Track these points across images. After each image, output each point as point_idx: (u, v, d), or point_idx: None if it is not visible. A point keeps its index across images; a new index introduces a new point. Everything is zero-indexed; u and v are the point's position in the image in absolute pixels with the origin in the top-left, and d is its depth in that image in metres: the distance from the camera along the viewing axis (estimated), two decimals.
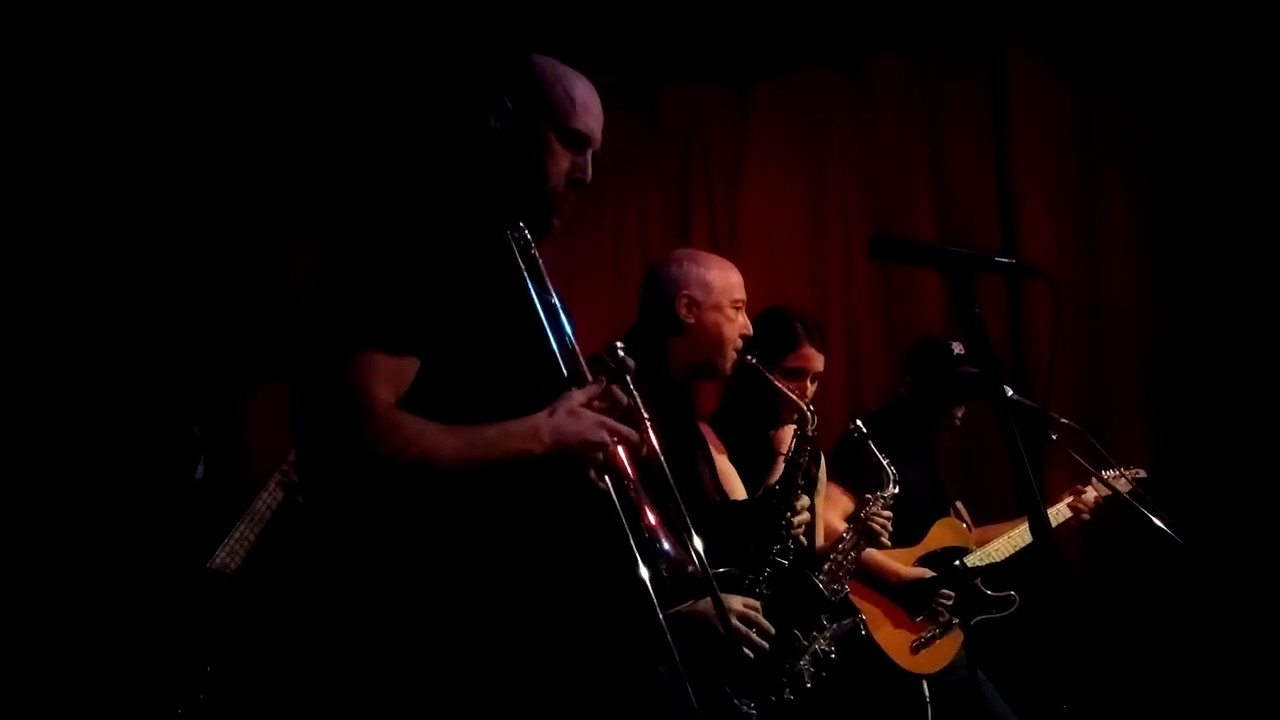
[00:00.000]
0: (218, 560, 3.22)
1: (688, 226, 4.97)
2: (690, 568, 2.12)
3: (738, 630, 2.71)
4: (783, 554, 2.96)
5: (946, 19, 4.87)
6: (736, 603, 2.75)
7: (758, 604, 2.78)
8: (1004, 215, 4.96)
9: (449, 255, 1.95)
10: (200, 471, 3.32)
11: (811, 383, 3.47)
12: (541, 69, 2.11)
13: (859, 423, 3.49)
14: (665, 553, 2.02)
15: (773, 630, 2.76)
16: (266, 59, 4.28)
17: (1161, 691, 4.36)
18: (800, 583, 3.11)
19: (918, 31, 4.93)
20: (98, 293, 3.84)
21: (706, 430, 3.24)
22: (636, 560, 1.98)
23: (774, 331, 3.43)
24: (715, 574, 2.29)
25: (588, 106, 2.10)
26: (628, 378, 2.11)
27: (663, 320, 2.97)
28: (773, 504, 3.02)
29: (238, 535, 3.26)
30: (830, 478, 3.55)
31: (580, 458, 1.95)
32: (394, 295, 1.87)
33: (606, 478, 1.99)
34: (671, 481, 2.24)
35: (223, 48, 4.21)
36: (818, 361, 3.47)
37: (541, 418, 1.92)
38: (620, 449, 2.00)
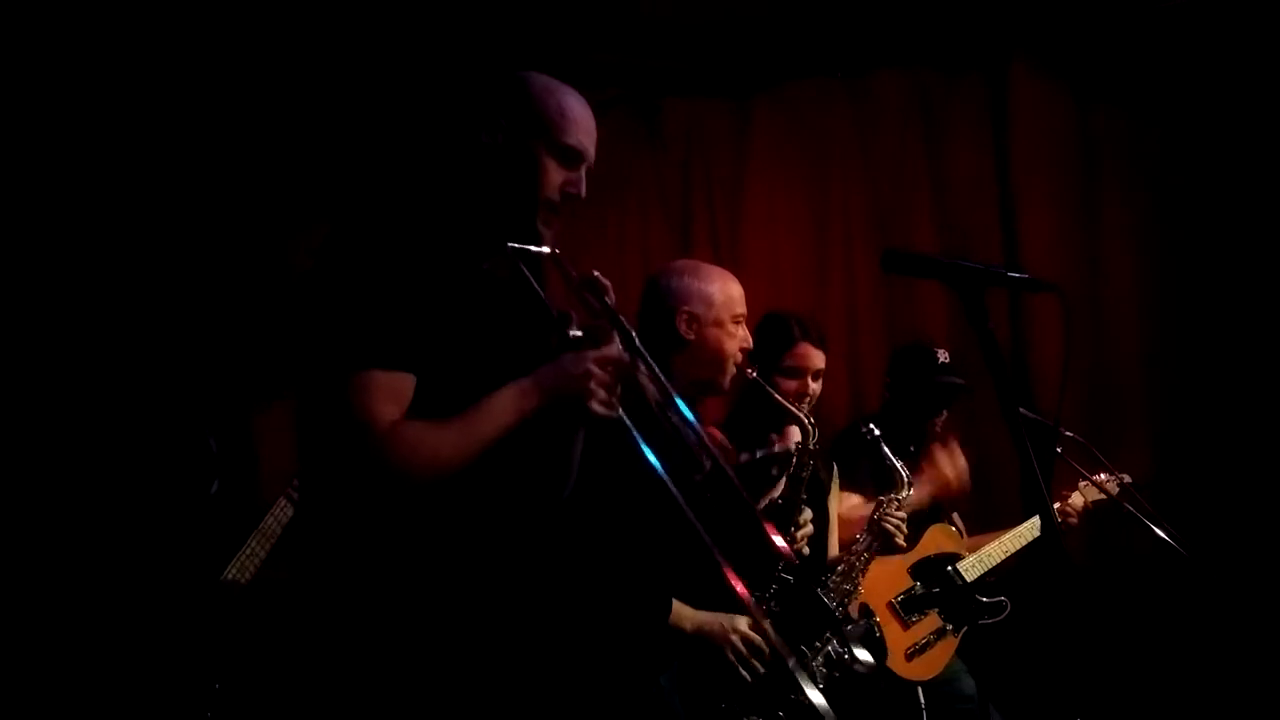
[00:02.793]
0: (229, 575, 3.21)
1: (689, 238, 4.97)
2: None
3: (738, 653, 2.70)
4: (788, 569, 2.94)
5: (948, 32, 4.88)
6: (742, 624, 2.74)
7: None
8: (1005, 228, 4.96)
9: (441, 269, 1.95)
10: (215, 486, 3.31)
11: (814, 380, 3.45)
12: (534, 85, 2.10)
13: (871, 425, 3.50)
14: (694, 443, 2.02)
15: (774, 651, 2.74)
16: (267, 76, 4.26)
17: (1171, 702, 4.33)
18: (807, 598, 3.09)
19: (919, 45, 4.93)
20: (115, 306, 3.83)
21: (717, 434, 3.23)
22: (663, 477, 1.96)
23: (770, 333, 3.43)
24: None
25: (580, 122, 2.09)
26: (605, 298, 2.06)
27: (663, 335, 2.93)
28: (776, 519, 2.99)
29: (248, 551, 3.24)
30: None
31: (574, 393, 1.94)
32: (388, 313, 1.86)
33: (615, 405, 1.97)
34: (674, 394, 2.19)
35: (226, 61, 4.18)
36: (816, 358, 3.44)
37: (523, 378, 1.94)
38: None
